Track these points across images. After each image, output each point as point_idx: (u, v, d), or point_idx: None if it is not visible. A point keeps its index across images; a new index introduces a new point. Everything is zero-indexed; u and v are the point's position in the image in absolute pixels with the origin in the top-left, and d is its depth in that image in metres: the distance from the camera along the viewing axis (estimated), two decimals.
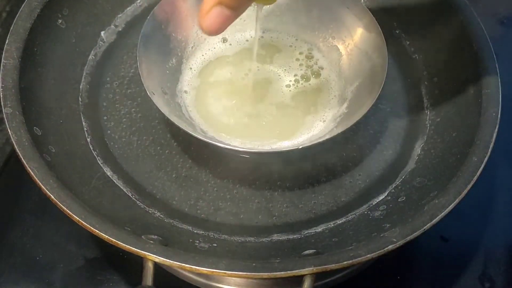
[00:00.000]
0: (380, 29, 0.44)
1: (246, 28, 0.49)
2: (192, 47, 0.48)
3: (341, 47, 0.47)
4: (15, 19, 0.43)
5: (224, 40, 0.49)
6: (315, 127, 0.45)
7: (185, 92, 0.46)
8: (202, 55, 0.48)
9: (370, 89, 0.43)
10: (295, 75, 0.47)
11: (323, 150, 0.44)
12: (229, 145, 0.42)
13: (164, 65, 0.45)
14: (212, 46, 0.49)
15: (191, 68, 0.47)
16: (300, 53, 0.49)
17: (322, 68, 0.48)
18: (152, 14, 0.44)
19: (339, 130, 0.40)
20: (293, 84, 0.47)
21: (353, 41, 0.46)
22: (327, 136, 0.41)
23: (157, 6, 0.44)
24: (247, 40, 0.49)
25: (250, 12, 0.49)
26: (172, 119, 0.40)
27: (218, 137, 0.44)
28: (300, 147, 0.40)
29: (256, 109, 0.46)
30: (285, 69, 0.48)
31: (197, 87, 0.47)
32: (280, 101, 0.46)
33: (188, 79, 0.47)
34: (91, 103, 0.46)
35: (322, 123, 0.45)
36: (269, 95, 0.47)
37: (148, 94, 0.40)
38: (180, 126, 0.40)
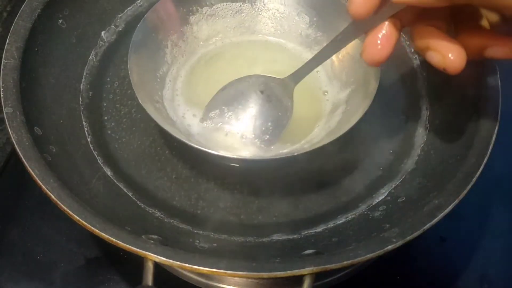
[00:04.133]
0: None
1: (236, 34, 0.49)
2: (182, 55, 0.48)
3: None
4: (16, 18, 0.43)
5: (215, 47, 0.49)
6: (308, 133, 0.44)
7: (177, 100, 0.46)
8: (192, 64, 0.48)
9: (363, 96, 0.42)
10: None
11: (323, 150, 0.44)
12: (225, 153, 0.41)
13: (155, 73, 0.45)
14: (202, 54, 0.48)
15: (181, 76, 0.47)
16: (292, 60, 0.48)
17: (315, 74, 0.47)
18: (143, 22, 0.44)
19: (331, 138, 0.40)
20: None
21: (345, 48, 0.46)
22: (318, 145, 0.40)
23: (148, 13, 0.44)
24: (238, 46, 0.49)
25: (239, 19, 0.49)
26: (165, 128, 0.40)
27: (211, 145, 0.42)
28: (295, 153, 0.39)
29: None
30: (277, 75, 0.47)
31: (188, 96, 0.46)
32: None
33: (178, 87, 0.46)
34: (92, 103, 0.46)
35: (315, 130, 0.44)
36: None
37: (140, 101, 0.40)
38: (174, 134, 0.39)
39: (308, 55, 0.48)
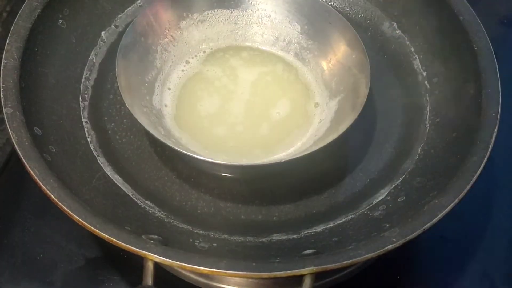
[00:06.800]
0: (363, 45, 0.44)
1: (227, 41, 0.49)
2: (172, 60, 0.48)
3: (323, 62, 0.47)
4: (16, 19, 0.43)
5: (204, 52, 0.49)
6: (298, 141, 0.44)
7: (165, 106, 0.46)
8: (182, 70, 0.48)
9: (353, 104, 0.43)
10: (279, 89, 0.47)
11: (322, 151, 0.44)
12: (217, 160, 0.41)
13: (143, 78, 0.45)
14: (192, 60, 0.48)
15: (170, 82, 0.47)
16: (283, 68, 0.48)
17: (305, 81, 0.48)
18: (132, 26, 0.44)
19: (319, 145, 0.40)
20: (277, 97, 0.47)
21: (336, 56, 0.46)
22: (307, 152, 0.40)
23: (137, 17, 0.44)
24: (228, 53, 0.49)
25: (230, 26, 0.49)
26: (152, 132, 0.40)
27: (201, 151, 0.43)
28: (282, 160, 0.40)
29: (242, 122, 0.45)
30: (268, 82, 0.47)
31: (176, 101, 0.46)
32: (265, 114, 0.46)
33: (167, 92, 0.46)
34: (92, 103, 0.46)
35: (304, 138, 0.45)
36: (254, 107, 0.46)
37: (127, 105, 0.40)
38: (161, 139, 0.39)
39: (298, 63, 0.49)
